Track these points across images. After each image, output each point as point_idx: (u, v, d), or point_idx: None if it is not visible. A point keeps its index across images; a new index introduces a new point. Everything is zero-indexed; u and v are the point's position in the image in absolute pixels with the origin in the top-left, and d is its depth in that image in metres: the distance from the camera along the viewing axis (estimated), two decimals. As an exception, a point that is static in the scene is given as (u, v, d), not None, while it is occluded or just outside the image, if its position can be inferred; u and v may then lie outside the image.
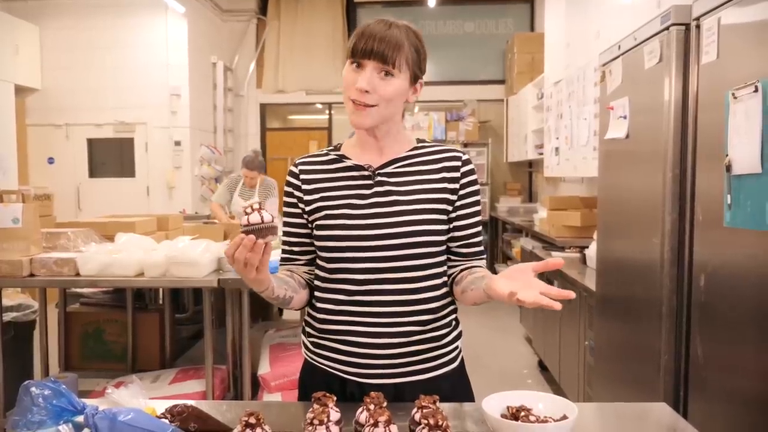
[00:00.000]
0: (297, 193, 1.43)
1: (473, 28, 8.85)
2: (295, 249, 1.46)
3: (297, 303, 1.41)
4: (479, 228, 1.45)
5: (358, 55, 1.30)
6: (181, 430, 1.14)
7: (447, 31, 8.83)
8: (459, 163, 1.41)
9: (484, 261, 1.47)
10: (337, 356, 1.38)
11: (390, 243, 1.33)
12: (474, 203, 1.43)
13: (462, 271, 1.43)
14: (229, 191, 5.29)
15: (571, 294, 1.08)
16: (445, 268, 1.42)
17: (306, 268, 1.46)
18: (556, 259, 1.14)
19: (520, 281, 1.15)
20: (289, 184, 1.45)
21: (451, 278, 1.43)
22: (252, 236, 1.14)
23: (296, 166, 1.46)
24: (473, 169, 1.44)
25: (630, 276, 2.42)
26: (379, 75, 1.30)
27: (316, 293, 1.43)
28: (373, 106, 1.31)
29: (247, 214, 1.17)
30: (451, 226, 1.41)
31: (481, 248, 1.47)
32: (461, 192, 1.40)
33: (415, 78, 1.36)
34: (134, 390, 1.19)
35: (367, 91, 1.29)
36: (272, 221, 1.17)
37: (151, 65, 7.52)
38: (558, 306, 1.06)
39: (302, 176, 1.43)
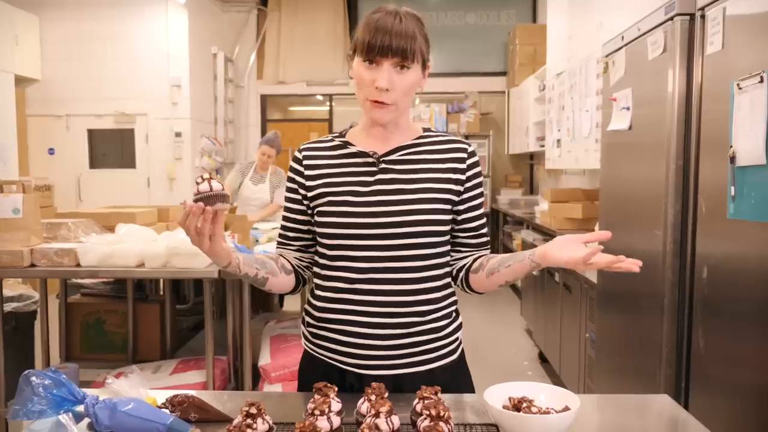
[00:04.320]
0: (299, 179, 1.43)
1: (475, 20, 8.80)
2: (290, 234, 1.47)
3: (275, 286, 1.40)
4: (484, 219, 1.47)
5: (377, 53, 1.27)
6: (182, 420, 1.13)
7: (448, 23, 8.79)
8: (465, 155, 1.41)
9: (489, 250, 1.49)
10: (336, 347, 1.38)
11: (392, 231, 1.32)
12: (479, 195, 1.44)
13: (476, 259, 1.43)
14: (242, 174, 5.11)
15: (638, 263, 1.15)
16: (446, 258, 1.42)
17: (297, 254, 1.47)
18: (605, 231, 1.21)
19: (575, 251, 1.20)
20: (291, 169, 1.45)
21: (465, 268, 1.43)
22: (200, 203, 1.16)
23: (300, 152, 1.45)
24: (478, 161, 1.44)
25: (632, 268, 2.41)
26: (395, 69, 1.29)
27: (316, 281, 1.42)
28: (392, 104, 1.31)
29: (197, 183, 1.19)
30: (460, 218, 1.41)
31: (488, 238, 1.49)
32: (467, 184, 1.41)
33: (424, 65, 1.36)
34: (135, 380, 1.19)
35: (388, 89, 1.28)
36: (222, 190, 1.19)
37: (151, 56, 7.49)
38: (636, 268, 1.15)
39: (305, 162, 1.42)
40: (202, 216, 1.17)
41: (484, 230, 1.47)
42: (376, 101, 1.30)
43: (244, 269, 1.31)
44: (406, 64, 1.29)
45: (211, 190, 1.18)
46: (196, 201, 1.17)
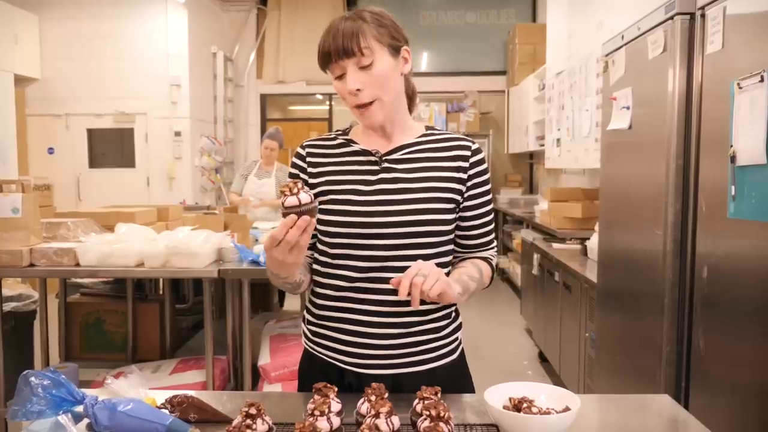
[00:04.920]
0: (302, 176, 1.42)
1: (474, 19, 8.80)
2: None
3: (305, 286, 1.41)
4: (487, 219, 1.43)
5: (324, 63, 1.30)
6: (181, 421, 1.13)
7: (448, 22, 8.79)
8: (468, 153, 1.39)
9: (492, 250, 1.46)
10: (336, 345, 1.37)
11: (394, 231, 1.31)
12: (481, 194, 1.41)
13: (462, 261, 1.43)
14: (244, 177, 5.18)
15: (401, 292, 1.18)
16: (449, 258, 1.41)
17: (309, 252, 1.45)
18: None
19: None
20: (294, 165, 1.44)
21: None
22: (306, 216, 1.12)
23: (303, 148, 1.44)
24: (483, 159, 1.41)
25: (632, 268, 2.41)
26: (360, 70, 1.28)
27: (317, 278, 1.41)
28: (373, 101, 1.30)
29: (293, 193, 1.13)
30: (456, 216, 1.40)
31: (487, 239, 1.45)
32: (469, 183, 1.38)
33: (395, 49, 1.32)
34: (134, 380, 1.19)
35: (359, 89, 1.28)
36: (313, 201, 1.15)
37: (151, 55, 7.50)
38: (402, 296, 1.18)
39: (309, 159, 1.42)
40: (306, 228, 1.13)
41: (481, 231, 1.42)
42: (357, 106, 1.30)
43: (295, 277, 1.31)
44: (363, 62, 1.27)
45: (312, 201, 1.13)
46: (300, 213, 1.12)
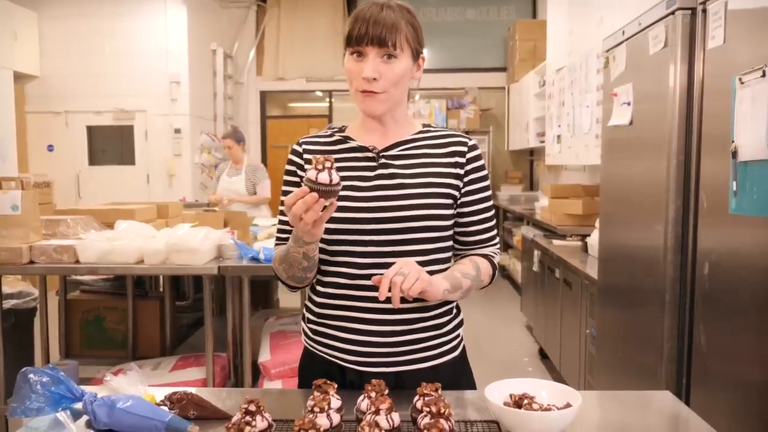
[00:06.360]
0: (300, 173, 1.41)
1: (474, 15, 8.78)
2: None
3: (311, 277, 1.39)
4: (486, 215, 1.42)
5: (355, 43, 1.28)
6: (181, 417, 1.13)
7: (448, 18, 8.77)
8: (465, 149, 1.39)
9: (494, 247, 1.45)
10: (337, 344, 1.37)
11: (393, 226, 1.31)
12: (478, 190, 1.40)
13: (461, 258, 1.42)
14: (217, 178, 5.50)
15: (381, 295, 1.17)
16: (449, 254, 1.40)
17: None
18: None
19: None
20: (291, 162, 1.43)
21: None
22: (315, 194, 1.11)
23: (300, 145, 1.44)
24: (480, 155, 1.41)
25: (633, 264, 2.41)
26: (382, 59, 1.28)
27: (317, 276, 1.41)
28: (381, 92, 1.29)
29: (317, 170, 1.12)
30: (454, 212, 1.39)
31: (487, 236, 1.43)
32: (466, 179, 1.38)
33: (416, 54, 1.34)
34: (133, 377, 1.19)
35: (374, 79, 1.27)
36: (339, 184, 1.14)
37: (150, 52, 7.48)
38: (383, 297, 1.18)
39: (305, 156, 1.41)
40: (313, 206, 1.12)
41: (480, 227, 1.41)
42: (365, 91, 1.29)
43: (315, 251, 1.30)
44: (391, 53, 1.28)
45: (331, 183, 1.12)
46: (312, 189, 1.11)
